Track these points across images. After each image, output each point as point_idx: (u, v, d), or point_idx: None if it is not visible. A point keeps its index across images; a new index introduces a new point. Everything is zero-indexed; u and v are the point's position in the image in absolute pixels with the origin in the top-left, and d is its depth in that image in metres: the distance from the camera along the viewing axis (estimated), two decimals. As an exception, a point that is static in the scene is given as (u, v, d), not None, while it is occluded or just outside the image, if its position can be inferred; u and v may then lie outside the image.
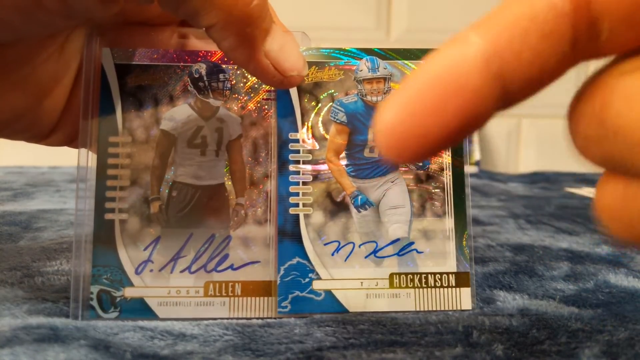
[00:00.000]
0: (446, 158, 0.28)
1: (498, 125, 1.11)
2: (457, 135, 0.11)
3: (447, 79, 0.11)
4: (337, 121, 0.28)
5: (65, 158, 0.72)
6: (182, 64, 0.27)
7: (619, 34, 0.12)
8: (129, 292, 0.26)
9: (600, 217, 0.13)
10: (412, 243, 0.28)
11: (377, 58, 0.28)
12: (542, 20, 0.11)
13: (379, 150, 0.11)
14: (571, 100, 0.13)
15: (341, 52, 0.28)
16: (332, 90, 0.28)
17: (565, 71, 0.12)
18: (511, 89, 0.12)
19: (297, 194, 0.28)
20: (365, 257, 0.28)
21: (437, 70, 0.11)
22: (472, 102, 0.11)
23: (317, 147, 0.28)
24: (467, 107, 0.11)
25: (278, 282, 0.27)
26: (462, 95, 0.11)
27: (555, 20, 0.11)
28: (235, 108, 0.28)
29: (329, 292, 0.27)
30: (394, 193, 0.28)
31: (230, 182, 0.27)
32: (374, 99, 0.28)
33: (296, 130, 0.28)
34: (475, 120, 0.11)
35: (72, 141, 0.28)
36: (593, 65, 0.13)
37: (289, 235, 0.27)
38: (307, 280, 0.27)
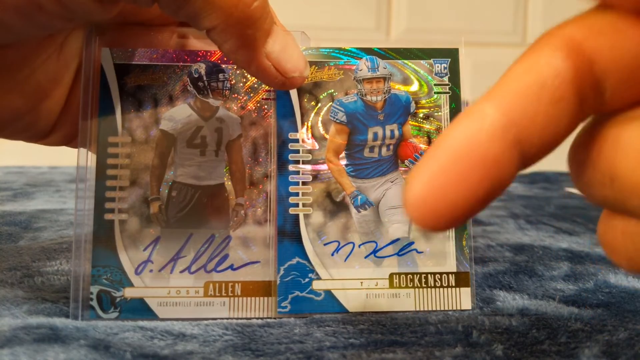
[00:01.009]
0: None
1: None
2: (484, 201, 0.12)
3: (468, 152, 0.12)
4: (337, 121, 0.28)
5: (65, 158, 0.72)
6: (181, 63, 0.27)
7: (621, 91, 0.13)
8: (128, 293, 0.26)
9: (604, 249, 0.14)
10: (412, 243, 0.28)
11: (377, 58, 0.28)
12: (550, 87, 0.12)
13: (412, 221, 0.12)
14: (570, 145, 0.13)
15: (341, 52, 0.28)
16: (332, 90, 0.28)
17: (576, 127, 0.13)
18: (529, 153, 0.12)
19: (296, 194, 0.28)
20: (365, 257, 0.28)
21: (458, 144, 0.12)
22: (495, 170, 0.12)
23: (317, 147, 0.28)
24: (490, 175, 0.12)
25: (278, 282, 0.27)
26: (485, 165, 0.12)
27: (562, 85, 0.12)
28: (235, 108, 0.28)
29: (328, 292, 0.27)
30: (394, 193, 0.28)
31: (229, 182, 0.27)
32: (374, 98, 0.28)
33: (296, 130, 0.28)
34: (499, 185, 0.12)
35: (71, 141, 0.28)
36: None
37: (288, 235, 0.27)
38: (307, 280, 0.27)
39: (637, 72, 0.12)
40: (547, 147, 0.12)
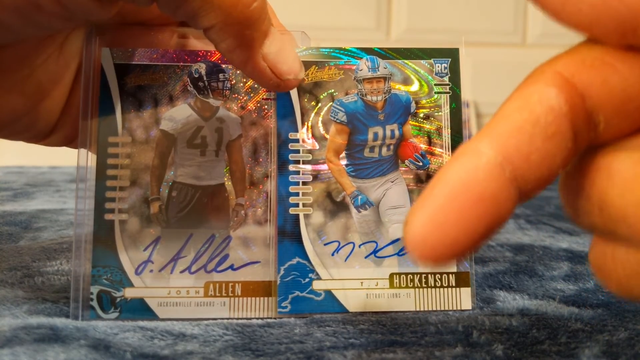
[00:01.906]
0: (446, 158, 0.28)
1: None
2: (484, 237, 0.12)
3: (465, 190, 0.12)
4: (337, 121, 0.28)
5: (65, 158, 0.72)
6: (181, 63, 0.27)
7: (615, 123, 0.13)
8: (129, 293, 0.26)
9: (596, 275, 0.14)
10: (412, 243, 0.28)
11: (377, 57, 0.28)
12: (543, 124, 0.12)
13: (413, 258, 0.13)
14: (560, 177, 0.14)
15: (341, 52, 0.28)
16: (332, 90, 0.28)
17: (571, 161, 0.13)
18: (525, 188, 0.12)
19: (297, 194, 0.28)
20: (365, 257, 0.28)
21: (455, 182, 0.12)
22: (493, 207, 0.12)
23: (317, 147, 0.28)
24: (489, 212, 0.12)
25: (278, 282, 0.27)
26: (482, 203, 0.12)
27: (556, 121, 0.12)
28: (235, 108, 0.28)
29: (329, 292, 0.27)
30: (394, 193, 0.28)
31: (230, 182, 0.27)
32: (374, 98, 0.28)
33: (296, 130, 0.28)
34: (498, 221, 0.12)
35: (71, 141, 0.28)
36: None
37: (289, 235, 0.27)
38: (307, 280, 0.27)
39: (629, 105, 0.13)
40: (543, 182, 0.13)
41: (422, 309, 0.27)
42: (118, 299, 0.26)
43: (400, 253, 0.28)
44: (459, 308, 0.27)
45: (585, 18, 0.12)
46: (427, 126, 0.29)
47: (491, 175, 0.12)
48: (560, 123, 0.12)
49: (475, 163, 0.12)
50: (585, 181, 0.13)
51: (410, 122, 0.29)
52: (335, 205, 0.28)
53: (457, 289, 0.28)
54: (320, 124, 0.28)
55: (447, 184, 0.12)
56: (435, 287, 0.27)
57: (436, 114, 0.29)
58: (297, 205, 0.27)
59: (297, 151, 0.28)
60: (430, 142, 0.29)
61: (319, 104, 0.28)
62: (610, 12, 0.12)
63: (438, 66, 0.29)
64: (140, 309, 0.26)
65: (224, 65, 0.28)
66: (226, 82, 0.28)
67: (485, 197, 0.12)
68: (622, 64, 0.12)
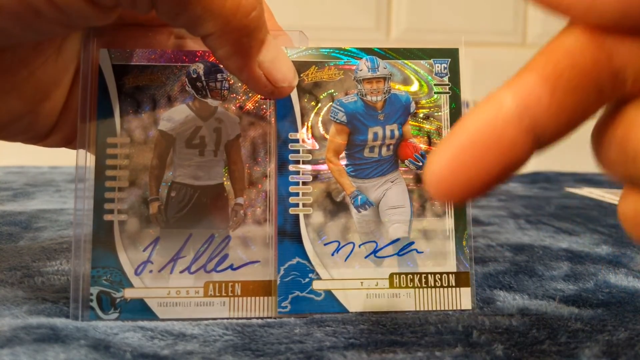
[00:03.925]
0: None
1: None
2: (498, 180, 0.13)
3: (485, 135, 0.13)
4: (337, 121, 0.28)
5: (65, 158, 0.72)
6: (179, 64, 0.27)
7: None
8: (128, 293, 0.26)
9: (623, 225, 0.14)
10: (412, 243, 0.28)
11: (377, 58, 0.28)
12: (566, 78, 0.13)
13: (430, 195, 0.13)
14: (594, 127, 0.14)
15: (341, 52, 0.28)
16: (332, 90, 0.28)
17: (593, 114, 0.13)
18: (543, 138, 0.13)
19: (297, 194, 0.28)
20: (365, 257, 0.28)
21: (476, 128, 0.13)
22: (509, 153, 0.13)
23: (317, 147, 0.28)
24: (505, 157, 0.13)
25: (278, 282, 0.27)
26: (500, 149, 0.13)
27: (579, 76, 0.13)
28: (234, 108, 0.28)
29: (329, 292, 0.27)
30: (394, 193, 0.28)
31: (228, 182, 0.27)
32: (374, 98, 0.28)
33: (296, 130, 0.28)
34: (513, 166, 0.13)
35: (70, 142, 0.28)
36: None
37: (288, 235, 0.27)
38: (307, 280, 0.27)
39: None
40: (563, 132, 0.13)
41: (422, 309, 0.27)
42: (118, 300, 0.26)
43: (400, 253, 0.28)
44: (459, 308, 0.27)
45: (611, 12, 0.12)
46: (426, 126, 0.29)
47: (509, 124, 0.13)
48: (583, 78, 0.13)
49: (495, 111, 0.13)
50: (619, 132, 0.13)
51: (410, 122, 0.28)
52: (335, 205, 0.28)
53: (457, 289, 0.28)
54: (320, 124, 0.28)
55: (467, 129, 0.13)
56: (435, 287, 0.27)
57: (436, 114, 0.29)
58: (297, 205, 0.27)
59: (297, 151, 0.28)
60: (430, 142, 0.29)
61: (319, 104, 0.28)
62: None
63: (438, 66, 0.29)
64: (140, 310, 0.26)
65: (222, 66, 0.28)
66: (224, 82, 0.28)
67: (503, 144, 0.13)
68: None
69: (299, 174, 0.28)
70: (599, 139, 0.14)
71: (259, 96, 0.28)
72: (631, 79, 0.13)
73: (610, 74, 0.13)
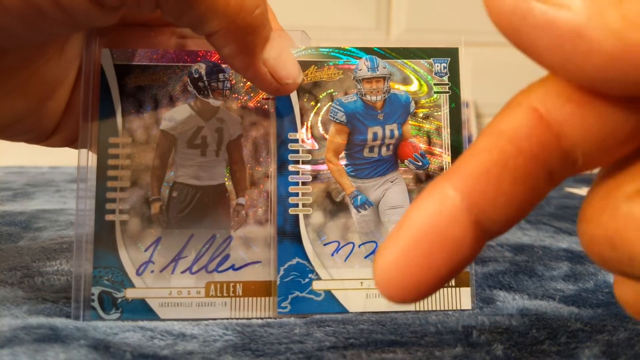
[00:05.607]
0: (446, 157, 0.28)
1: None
2: (448, 276, 0.12)
3: (429, 233, 0.12)
4: (337, 121, 0.28)
5: (65, 158, 0.72)
6: (181, 64, 0.27)
7: (595, 158, 0.12)
8: (130, 293, 0.26)
9: (624, 308, 0.14)
10: (412, 243, 0.28)
11: (377, 57, 0.28)
12: (512, 167, 0.12)
13: (381, 294, 0.13)
14: (579, 215, 0.13)
15: (340, 52, 0.28)
16: (332, 90, 0.28)
17: (544, 197, 0.13)
18: (492, 229, 0.12)
19: (296, 194, 0.28)
20: (365, 257, 0.28)
21: (420, 225, 0.12)
22: (457, 250, 0.12)
23: (317, 147, 0.28)
24: (453, 254, 0.12)
25: (278, 282, 0.27)
26: (446, 246, 0.12)
27: (526, 164, 0.12)
28: (235, 108, 0.28)
29: (328, 293, 0.27)
30: (394, 193, 0.28)
31: (230, 182, 0.27)
32: (374, 98, 0.28)
33: (295, 130, 0.28)
34: (464, 261, 0.12)
35: (73, 142, 0.28)
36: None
37: (288, 235, 0.27)
38: (306, 280, 0.27)
39: (609, 141, 0.12)
40: (511, 222, 0.12)
41: (422, 309, 0.27)
42: (119, 300, 0.26)
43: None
44: (458, 308, 0.27)
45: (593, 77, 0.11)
46: (426, 126, 0.29)
47: (455, 220, 0.12)
48: (531, 165, 0.12)
49: (440, 207, 0.12)
50: (611, 230, 0.12)
51: (409, 121, 0.29)
52: (335, 206, 0.28)
53: (457, 288, 0.28)
54: (319, 124, 0.28)
55: (412, 227, 0.12)
56: (435, 287, 0.27)
57: (435, 113, 0.29)
58: (296, 205, 0.27)
59: (297, 151, 0.28)
60: (429, 142, 0.29)
61: (319, 104, 0.28)
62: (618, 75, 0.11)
63: (437, 66, 0.29)
64: (141, 310, 0.26)
65: (223, 65, 0.28)
66: (226, 82, 0.28)
67: (450, 240, 0.12)
68: (601, 98, 0.12)
69: (298, 174, 0.28)
70: (586, 233, 0.12)
71: (260, 96, 0.28)
72: (581, 158, 0.12)
73: (560, 155, 0.12)
